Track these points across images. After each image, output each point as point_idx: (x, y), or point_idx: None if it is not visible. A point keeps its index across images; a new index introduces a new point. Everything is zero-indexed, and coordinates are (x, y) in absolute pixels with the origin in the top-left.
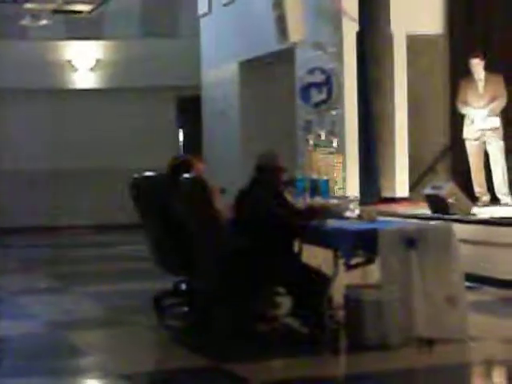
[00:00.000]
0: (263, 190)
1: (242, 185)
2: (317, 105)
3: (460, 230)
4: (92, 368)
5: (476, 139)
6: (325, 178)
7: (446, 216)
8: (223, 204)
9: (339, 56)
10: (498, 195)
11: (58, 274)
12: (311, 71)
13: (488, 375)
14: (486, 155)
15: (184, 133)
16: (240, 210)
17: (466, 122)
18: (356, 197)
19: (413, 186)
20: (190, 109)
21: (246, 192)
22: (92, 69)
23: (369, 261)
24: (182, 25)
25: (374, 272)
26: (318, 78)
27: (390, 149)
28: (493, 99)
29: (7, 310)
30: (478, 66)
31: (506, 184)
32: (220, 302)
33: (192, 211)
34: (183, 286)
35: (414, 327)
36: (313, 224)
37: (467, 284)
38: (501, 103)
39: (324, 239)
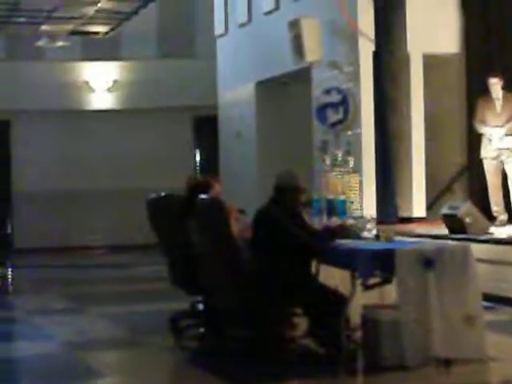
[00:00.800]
0: (281, 210)
1: (260, 205)
2: (333, 125)
3: (477, 249)
4: None
5: (494, 158)
6: (341, 198)
7: (464, 236)
8: (242, 224)
9: (355, 76)
10: None
11: (74, 294)
12: (327, 91)
13: None
14: (504, 174)
15: (201, 153)
16: (258, 230)
17: (484, 141)
18: (373, 217)
19: (430, 206)
20: (206, 129)
21: (263, 212)
22: (109, 89)
23: (386, 281)
24: (199, 45)
25: (391, 292)
26: (335, 97)
27: (407, 168)
28: (510, 119)
29: (23, 331)
30: (496, 85)
31: None
32: (237, 323)
33: (208, 232)
34: (200, 307)
35: (431, 347)
36: (330, 245)
37: (485, 304)
38: None
39: (341, 259)
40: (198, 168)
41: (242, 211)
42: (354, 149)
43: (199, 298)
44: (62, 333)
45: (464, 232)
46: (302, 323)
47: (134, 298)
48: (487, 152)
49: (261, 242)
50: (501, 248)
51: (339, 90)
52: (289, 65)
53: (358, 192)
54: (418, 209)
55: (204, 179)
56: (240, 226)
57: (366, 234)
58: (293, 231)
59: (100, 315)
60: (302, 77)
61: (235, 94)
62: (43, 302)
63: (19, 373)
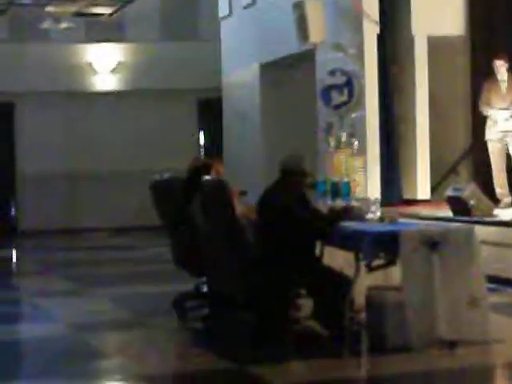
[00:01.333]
0: (287, 193)
1: (264, 186)
2: (337, 107)
3: (481, 231)
4: (113, 371)
5: (498, 140)
6: (346, 180)
7: (468, 218)
8: (244, 206)
9: (360, 58)
10: None
11: (78, 276)
12: (332, 73)
13: (510, 378)
14: (509, 157)
15: (205, 135)
16: (263, 212)
17: (489, 123)
18: (377, 199)
19: (434, 188)
20: (210, 111)
21: (269, 193)
22: (113, 71)
23: (390, 263)
24: (203, 27)
25: (395, 274)
26: (339, 79)
27: (412, 150)
28: None
29: (27, 313)
30: (501, 67)
31: None
32: (241, 304)
33: (212, 213)
34: (204, 288)
35: (435, 329)
36: (335, 227)
37: (489, 286)
38: None
39: (345, 241)
40: (201, 150)
41: (243, 192)
42: (358, 131)
43: (203, 280)
44: (66, 314)
45: (468, 214)
46: (306, 305)
47: (139, 280)
48: (492, 134)
49: (266, 224)
50: (505, 230)
51: (344, 72)
52: (293, 46)
53: (362, 174)
54: (423, 191)
55: (206, 161)
56: (242, 207)
57: (370, 215)
58: (298, 213)
59: (104, 297)
60: (306, 58)
61: (239, 76)
62: (47, 283)
63: (23, 354)
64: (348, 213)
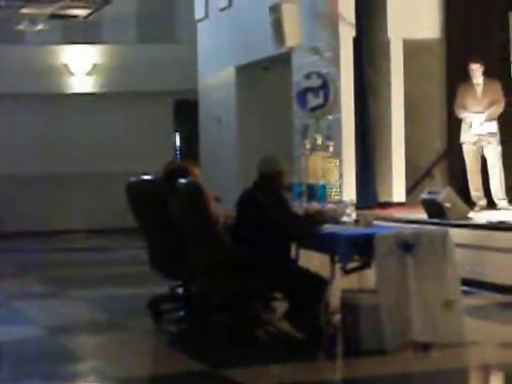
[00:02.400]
0: (265, 194)
1: (239, 189)
2: (313, 109)
3: (456, 234)
4: (88, 373)
5: (473, 143)
6: (321, 182)
7: (443, 221)
8: (218, 212)
9: (336, 61)
10: (495, 200)
11: (54, 278)
12: (308, 76)
13: (485, 380)
14: (483, 160)
15: (180, 137)
16: (241, 213)
17: (464, 126)
18: (352, 201)
19: (409, 191)
20: (186, 113)
21: (247, 195)
22: (88, 73)
23: (365, 265)
24: (179, 29)
25: (370, 276)
26: (315, 82)
27: (387, 153)
28: (491, 104)
29: (2, 315)
30: (476, 70)
31: (503, 189)
32: (216, 307)
33: (188, 216)
34: (179, 291)
35: (410, 332)
36: (310, 231)
37: (463, 289)
38: (499, 108)
39: (321, 244)
40: (177, 152)
41: (217, 199)
42: (334, 133)
43: (178, 282)
44: (43, 317)
45: (443, 217)
46: (280, 307)
47: (114, 282)
48: (467, 137)
49: (243, 225)
50: (480, 233)
51: (319, 75)
52: (269, 49)
53: (337, 176)
54: (398, 194)
55: (183, 164)
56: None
57: (345, 218)
58: (278, 216)
59: (80, 299)
60: (282, 61)
61: (215, 78)
62: (23, 285)
63: None
64: (322, 217)
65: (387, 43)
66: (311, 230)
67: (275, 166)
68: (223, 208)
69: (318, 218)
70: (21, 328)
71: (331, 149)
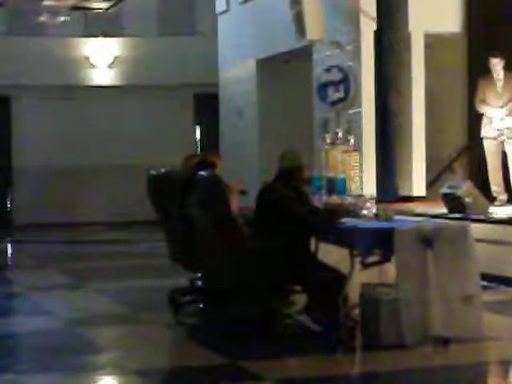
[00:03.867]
0: (285, 188)
1: (261, 182)
2: (334, 103)
3: (476, 229)
4: (107, 365)
5: (494, 138)
6: (342, 176)
7: (463, 215)
8: (241, 205)
9: (357, 54)
10: None
11: (73, 270)
12: (328, 69)
13: (504, 375)
14: (504, 154)
15: (201, 130)
16: (261, 208)
17: (484, 121)
18: (373, 195)
19: (430, 185)
20: (207, 106)
21: (267, 188)
22: (110, 66)
23: (385, 259)
24: (200, 22)
25: (390, 271)
26: (336, 76)
27: (408, 147)
28: (511, 99)
29: (23, 306)
30: (497, 65)
31: None
32: (235, 300)
33: (207, 208)
34: (199, 283)
35: (429, 326)
36: (331, 224)
37: (483, 283)
38: None
39: (340, 238)
40: (198, 145)
41: (243, 192)
42: (354, 127)
43: (198, 275)
44: (61, 308)
45: (463, 212)
46: (299, 300)
47: (133, 274)
48: (487, 132)
49: (263, 218)
50: (500, 228)
51: (340, 69)
52: (290, 43)
53: (358, 171)
54: (418, 188)
55: (204, 156)
56: (240, 205)
57: (365, 212)
58: (295, 209)
59: (99, 291)
60: (303, 55)
61: (236, 72)
62: (42, 277)
63: (18, 348)
64: (341, 211)
65: (408, 37)
66: (330, 224)
67: (296, 161)
68: (247, 201)
69: (338, 211)
70: (40, 320)
71: (352, 142)
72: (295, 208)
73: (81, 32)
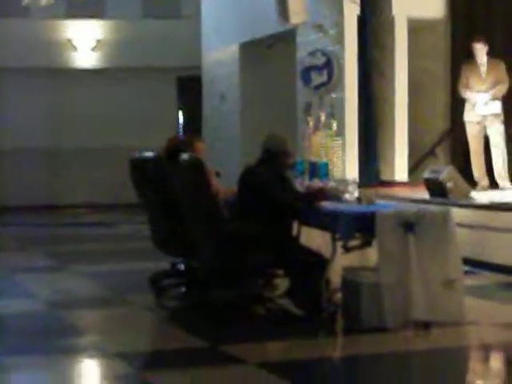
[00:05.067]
0: (267, 171)
1: (244, 164)
2: (317, 87)
3: (458, 214)
4: (88, 347)
5: (477, 123)
6: (324, 160)
7: (445, 200)
8: (218, 187)
9: (340, 38)
10: (498, 180)
11: (56, 252)
12: (312, 53)
13: (484, 359)
14: (486, 140)
15: (184, 113)
16: (243, 190)
17: (467, 106)
18: (355, 179)
19: (412, 170)
20: (190, 89)
21: (250, 171)
22: (93, 48)
23: (366, 243)
24: (184, 5)
25: (371, 255)
26: (319, 60)
27: (390, 132)
28: (495, 84)
29: (5, 289)
30: (480, 50)
31: (506, 168)
32: (217, 282)
33: (189, 191)
34: (181, 267)
35: (411, 310)
36: (312, 208)
37: (465, 268)
38: (503, 88)
39: (322, 221)
40: (181, 128)
41: (217, 174)
42: (337, 111)
43: (180, 258)
44: (44, 291)
45: (445, 196)
46: (281, 284)
47: (116, 257)
48: (470, 117)
49: (245, 201)
50: (481, 213)
51: (324, 53)
52: (273, 26)
53: (340, 155)
54: (400, 172)
55: (186, 138)
56: (219, 186)
57: (347, 196)
58: (277, 193)
59: (82, 273)
60: (286, 38)
61: (219, 55)
62: (26, 259)
63: (0, 330)
64: (323, 194)
65: (392, 21)
66: (311, 207)
67: (281, 145)
68: (224, 183)
69: (320, 195)
70: (22, 302)
71: (334, 127)
72: (277, 192)
73: (64, 14)
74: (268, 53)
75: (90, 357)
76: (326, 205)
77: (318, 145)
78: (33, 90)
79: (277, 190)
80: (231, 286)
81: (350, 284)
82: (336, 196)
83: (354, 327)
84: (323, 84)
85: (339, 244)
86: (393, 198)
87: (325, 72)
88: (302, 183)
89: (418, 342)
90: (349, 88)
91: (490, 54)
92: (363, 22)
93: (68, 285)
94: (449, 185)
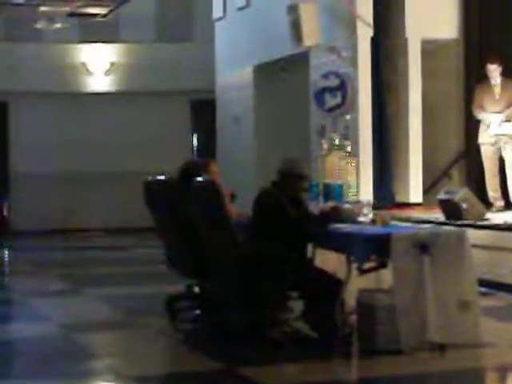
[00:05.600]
0: (281, 193)
1: (257, 188)
2: (331, 109)
3: (473, 235)
4: (103, 371)
5: (491, 144)
6: (338, 182)
7: (460, 221)
8: (234, 209)
9: (354, 60)
10: None
11: (71, 276)
12: (325, 75)
13: (500, 381)
14: (501, 161)
15: (198, 137)
16: (257, 213)
17: (482, 127)
18: (369, 201)
19: (427, 191)
20: (204, 113)
21: (264, 193)
22: (106, 72)
23: (381, 265)
24: (197, 29)
25: (386, 277)
26: (333, 82)
27: (404, 154)
28: (509, 105)
29: (20, 312)
30: (494, 71)
31: None
32: (232, 305)
33: (204, 214)
34: (196, 289)
35: (426, 332)
36: (326, 230)
37: (480, 289)
38: None
39: (337, 243)
40: (195, 152)
41: (232, 196)
42: (351, 133)
43: (195, 281)
44: (59, 315)
45: (460, 218)
46: (295, 306)
47: (131, 280)
48: (485, 138)
49: (259, 224)
50: (497, 234)
51: (337, 75)
52: (287, 49)
53: (354, 177)
54: (415, 194)
55: (200, 161)
56: (234, 210)
57: (362, 218)
58: (291, 215)
59: (96, 297)
60: (300, 61)
61: (233, 78)
62: (40, 283)
63: (15, 355)
64: (337, 213)
65: (405, 43)
66: (326, 227)
67: (295, 167)
68: (238, 205)
69: (334, 214)
70: (37, 325)
71: (348, 149)
72: (290, 214)
73: (77, 38)
74: (281, 75)
75: (106, 381)
76: (341, 227)
77: (332, 167)
78: (47, 113)
79: (291, 210)
80: (246, 309)
81: (365, 306)
82: (351, 218)
83: (369, 349)
84: (337, 106)
85: (354, 266)
86: (408, 219)
87: (338, 94)
88: (316, 205)
89: (433, 364)
90: (363, 109)
91: (503, 74)
92: (377, 44)
93: (82, 308)
94: (464, 206)
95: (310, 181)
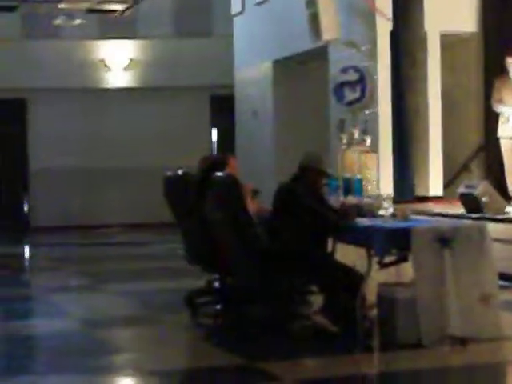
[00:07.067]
0: (302, 188)
1: (276, 183)
2: (350, 103)
3: (494, 228)
4: (124, 366)
5: (511, 138)
6: (358, 176)
7: (480, 215)
8: (255, 204)
9: (373, 54)
10: None
11: (90, 272)
12: (345, 70)
13: None
14: None
15: (217, 132)
16: (277, 207)
17: (501, 120)
18: (390, 195)
19: (447, 185)
20: (223, 108)
21: (285, 187)
22: (125, 68)
23: (402, 259)
24: (216, 24)
25: (407, 270)
26: (352, 76)
27: (424, 147)
28: None
29: (40, 308)
30: None
31: None
32: (253, 300)
33: (224, 208)
34: (216, 284)
35: (447, 326)
36: (346, 224)
37: (501, 283)
38: None
39: (358, 238)
40: (214, 147)
41: (256, 191)
42: (370, 127)
43: (215, 276)
44: (79, 310)
45: (480, 211)
46: (316, 300)
47: (151, 276)
48: (504, 131)
49: (279, 218)
50: None
51: (356, 69)
52: (306, 43)
53: (374, 171)
54: (435, 188)
55: (220, 156)
56: (254, 205)
57: (382, 212)
58: (312, 208)
59: (117, 293)
60: (319, 55)
61: (252, 73)
62: (60, 279)
63: (36, 350)
64: (357, 212)
65: (424, 37)
66: (345, 223)
67: (318, 164)
68: (260, 201)
69: (353, 212)
70: (57, 321)
71: (368, 143)
72: (311, 206)
73: (96, 34)
74: (301, 70)
75: (126, 375)
76: (361, 221)
77: (351, 161)
78: (66, 110)
79: (312, 203)
80: (267, 304)
81: (386, 300)
82: (371, 212)
83: (390, 343)
84: (356, 100)
85: (374, 260)
86: (428, 213)
87: (358, 88)
88: (336, 200)
89: (454, 357)
90: (382, 103)
91: None
92: (396, 38)
93: (102, 304)
94: (484, 200)
95: (331, 176)
